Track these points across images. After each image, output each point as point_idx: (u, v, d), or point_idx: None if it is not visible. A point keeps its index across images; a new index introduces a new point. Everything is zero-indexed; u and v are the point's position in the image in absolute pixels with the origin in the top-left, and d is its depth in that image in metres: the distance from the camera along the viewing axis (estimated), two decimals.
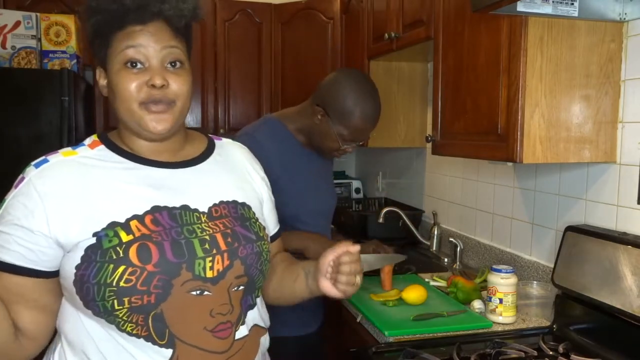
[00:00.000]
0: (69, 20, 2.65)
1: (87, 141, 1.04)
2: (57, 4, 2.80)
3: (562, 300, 1.56)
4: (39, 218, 0.93)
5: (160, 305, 0.92)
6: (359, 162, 3.71)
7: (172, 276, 0.92)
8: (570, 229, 1.57)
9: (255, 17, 3.22)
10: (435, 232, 2.47)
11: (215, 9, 3.15)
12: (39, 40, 2.61)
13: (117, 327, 0.93)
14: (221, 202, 1.04)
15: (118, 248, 0.91)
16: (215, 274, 0.96)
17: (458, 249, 2.26)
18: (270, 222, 1.19)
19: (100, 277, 0.90)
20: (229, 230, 1.00)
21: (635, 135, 1.46)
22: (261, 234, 1.06)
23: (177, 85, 0.99)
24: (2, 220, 0.95)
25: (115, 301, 0.90)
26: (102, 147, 1.03)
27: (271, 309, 1.75)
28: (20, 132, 2.42)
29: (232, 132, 3.06)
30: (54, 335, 1.03)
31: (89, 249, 0.92)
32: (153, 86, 0.96)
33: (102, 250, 0.91)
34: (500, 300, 1.58)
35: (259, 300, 1.09)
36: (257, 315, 1.08)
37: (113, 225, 0.93)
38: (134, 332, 0.92)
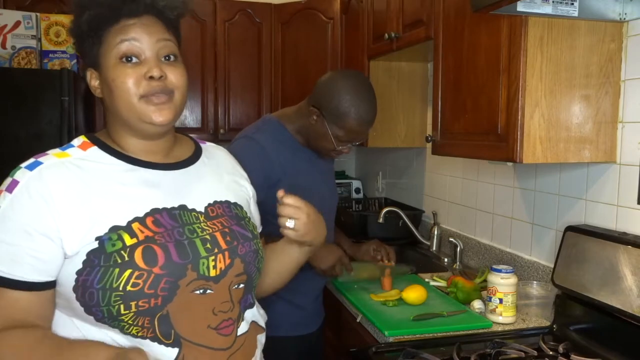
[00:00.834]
0: (69, 20, 2.64)
1: (76, 142, 1.01)
2: (57, 4, 2.80)
3: (562, 300, 1.56)
4: (49, 221, 0.89)
5: (166, 306, 0.92)
6: (359, 162, 3.71)
7: (178, 277, 0.93)
8: (570, 229, 1.57)
9: (255, 17, 3.22)
10: (435, 232, 2.47)
11: (215, 9, 3.14)
12: (39, 40, 2.61)
13: (121, 331, 0.92)
14: (215, 202, 1.05)
15: (122, 252, 0.90)
16: (218, 272, 0.97)
17: (458, 249, 2.26)
18: (256, 221, 1.21)
19: (105, 282, 0.89)
20: (227, 230, 1.02)
21: (635, 135, 1.46)
22: (255, 233, 1.09)
23: (175, 76, 0.99)
24: (3, 228, 0.89)
25: (122, 306, 0.89)
26: (95, 148, 1.00)
27: (272, 309, 1.75)
28: (20, 132, 2.41)
29: (232, 132, 3.06)
30: None
31: (91, 253, 0.90)
32: (151, 78, 0.95)
33: (106, 254, 0.90)
34: (500, 300, 1.58)
35: (255, 300, 1.11)
36: (256, 313, 1.09)
37: (115, 228, 0.92)
38: (140, 334, 0.92)
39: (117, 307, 0.89)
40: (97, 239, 0.91)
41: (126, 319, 0.90)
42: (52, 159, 0.96)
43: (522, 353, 1.36)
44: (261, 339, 1.10)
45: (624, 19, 1.44)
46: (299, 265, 1.22)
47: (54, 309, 0.95)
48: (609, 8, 1.43)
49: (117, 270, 0.89)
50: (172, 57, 1.00)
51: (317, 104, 1.63)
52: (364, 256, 1.97)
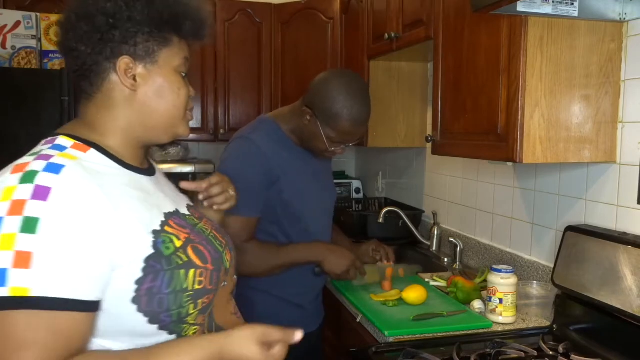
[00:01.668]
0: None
1: (67, 143, 0.89)
2: (57, 4, 2.79)
3: (562, 300, 1.56)
4: (99, 229, 0.81)
5: (214, 301, 0.98)
6: (359, 162, 3.70)
7: (221, 271, 0.99)
8: (570, 229, 1.57)
9: (255, 17, 3.22)
10: (435, 232, 2.47)
11: (215, 9, 3.14)
12: (39, 40, 2.61)
13: (178, 335, 0.91)
14: (188, 205, 1.10)
15: (178, 253, 0.91)
16: (229, 265, 1.05)
17: (458, 249, 2.26)
18: None
19: (175, 285, 0.88)
20: (215, 227, 1.09)
21: (635, 135, 1.46)
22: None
23: None
24: (52, 242, 0.76)
25: (191, 305, 0.91)
26: (93, 150, 0.90)
27: (271, 308, 1.75)
28: (20, 132, 2.41)
29: (232, 132, 3.05)
30: None
31: (150, 259, 0.86)
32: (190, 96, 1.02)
33: (166, 257, 0.88)
34: (500, 300, 1.58)
35: None
36: None
37: (158, 232, 0.90)
38: (197, 334, 0.94)
39: (187, 307, 0.90)
40: (152, 244, 0.87)
41: (190, 320, 0.92)
42: (66, 160, 0.84)
43: (522, 353, 1.36)
44: None
45: (624, 19, 1.44)
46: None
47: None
48: (609, 8, 1.43)
49: (182, 271, 0.90)
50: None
51: (310, 104, 1.62)
52: (363, 257, 1.96)
